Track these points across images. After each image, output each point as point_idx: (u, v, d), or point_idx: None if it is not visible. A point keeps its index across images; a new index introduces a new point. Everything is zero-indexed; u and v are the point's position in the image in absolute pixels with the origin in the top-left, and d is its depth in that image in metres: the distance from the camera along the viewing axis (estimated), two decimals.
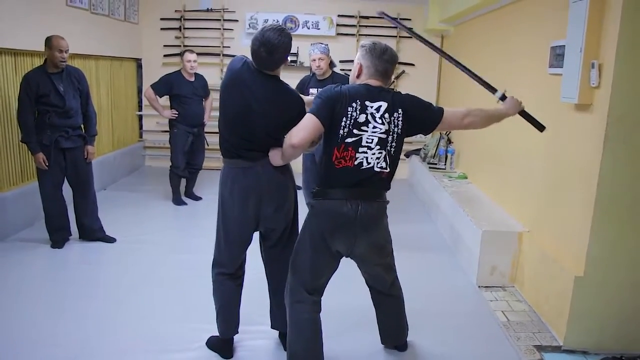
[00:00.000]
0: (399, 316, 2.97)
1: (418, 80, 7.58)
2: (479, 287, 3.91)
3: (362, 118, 2.42)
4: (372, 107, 2.44)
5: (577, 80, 3.03)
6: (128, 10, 6.94)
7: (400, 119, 2.48)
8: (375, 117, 2.44)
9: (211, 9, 7.45)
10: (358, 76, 2.58)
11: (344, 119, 2.41)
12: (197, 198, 5.98)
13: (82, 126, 4.38)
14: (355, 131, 2.43)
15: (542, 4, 3.91)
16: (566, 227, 3.29)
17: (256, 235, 2.82)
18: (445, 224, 5.05)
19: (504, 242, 3.86)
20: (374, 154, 2.45)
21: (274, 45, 2.50)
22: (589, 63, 2.97)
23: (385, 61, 2.53)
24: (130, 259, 4.20)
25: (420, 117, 2.55)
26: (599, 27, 2.94)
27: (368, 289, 2.92)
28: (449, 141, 6.54)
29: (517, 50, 4.38)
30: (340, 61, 7.04)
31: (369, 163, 2.45)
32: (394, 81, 7.56)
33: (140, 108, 7.69)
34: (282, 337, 3.00)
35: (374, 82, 2.52)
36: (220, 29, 7.50)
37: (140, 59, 7.52)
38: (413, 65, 7.58)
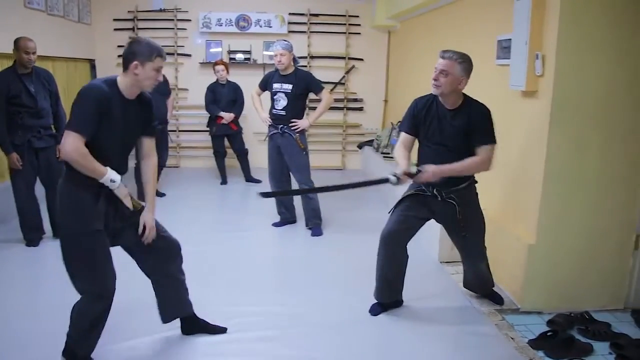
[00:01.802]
0: None
1: (367, 74, 7.91)
2: (440, 262, 4.26)
3: None
4: None
5: (524, 69, 3.39)
6: (81, 11, 6.94)
7: None
8: None
9: (164, 9, 7.54)
10: (462, 88, 3.10)
11: None
12: (161, 194, 6.09)
13: (53, 126, 4.46)
14: None
15: (487, 1, 4.27)
16: (518, 202, 3.66)
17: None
18: None
19: None
20: None
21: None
22: (533, 54, 3.34)
23: None
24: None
25: None
26: (541, 22, 3.31)
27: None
28: None
29: (465, 44, 4.70)
30: None
31: None
32: (344, 76, 7.87)
33: None
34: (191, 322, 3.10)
35: None
36: (173, 28, 7.60)
37: (94, 60, 7.50)
38: (362, 60, 7.90)
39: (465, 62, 3.04)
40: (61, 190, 2.56)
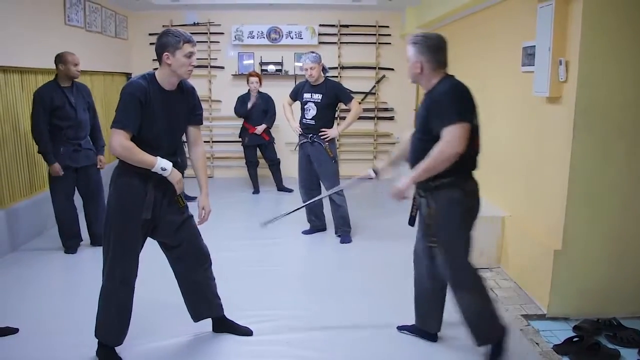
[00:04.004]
0: None
1: (398, 84, 7.95)
2: None
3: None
4: None
5: (547, 76, 3.40)
6: (118, 27, 7.22)
7: None
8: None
9: (198, 23, 7.75)
10: (421, 72, 2.72)
11: (476, 109, 2.69)
12: (192, 198, 6.14)
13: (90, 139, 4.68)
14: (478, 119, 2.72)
15: (512, 9, 4.29)
16: (544, 208, 3.66)
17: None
18: None
19: (489, 227, 4.21)
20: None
21: None
22: (557, 60, 3.35)
23: (445, 51, 2.75)
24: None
25: None
26: (564, 28, 3.32)
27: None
28: None
29: (491, 51, 4.76)
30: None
31: None
32: (375, 86, 7.94)
33: None
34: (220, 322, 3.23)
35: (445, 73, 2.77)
36: (207, 41, 7.81)
37: (130, 74, 7.76)
38: (393, 70, 7.95)
39: (419, 43, 2.71)
40: (113, 177, 2.77)
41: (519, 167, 4.07)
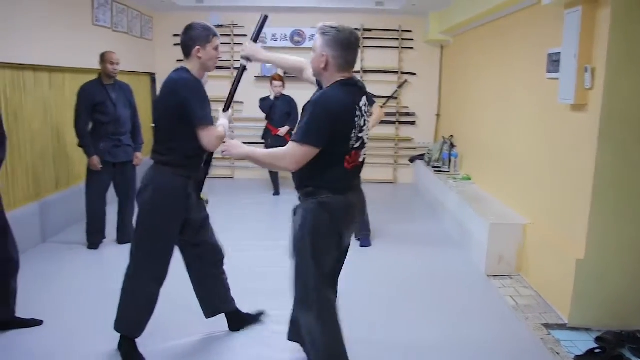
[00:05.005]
0: None
1: (420, 89, 7.94)
2: (487, 276, 4.22)
3: (362, 121, 2.40)
4: (362, 105, 2.40)
5: (573, 83, 3.37)
6: (144, 27, 7.32)
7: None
8: (364, 113, 2.42)
9: (221, 25, 7.81)
10: (325, 69, 2.39)
11: (353, 131, 2.36)
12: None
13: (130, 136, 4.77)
14: (360, 135, 2.41)
15: (537, 15, 4.25)
16: (567, 216, 3.62)
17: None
18: (452, 221, 5.37)
19: (510, 234, 4.19)
20: (365, 147, 2.50)
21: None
22: (583, 67, 3.32)
23: (356, 50, 2.46)
24: None
25: None
26: (591, 35, 3.29)
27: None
28: (452, 145, 6.87)
29: (515, 57, 4.72)
30: None
31: (364, 156, 2.51)
32: (397, 90, 7.92)
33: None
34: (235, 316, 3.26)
35: (349, 75, 2.44)
36: (230, 43, 7.87)
37: (154, 74, 7.86)
38: (415, 74, 7.93)
39: (328, 35, 2.38)
40: (150, 178, 2.76)
41: (542, 174, 4.03)
